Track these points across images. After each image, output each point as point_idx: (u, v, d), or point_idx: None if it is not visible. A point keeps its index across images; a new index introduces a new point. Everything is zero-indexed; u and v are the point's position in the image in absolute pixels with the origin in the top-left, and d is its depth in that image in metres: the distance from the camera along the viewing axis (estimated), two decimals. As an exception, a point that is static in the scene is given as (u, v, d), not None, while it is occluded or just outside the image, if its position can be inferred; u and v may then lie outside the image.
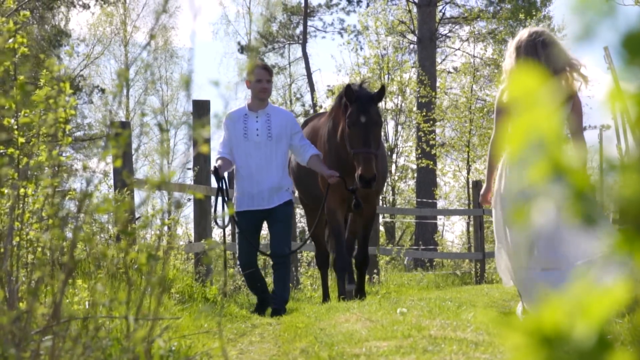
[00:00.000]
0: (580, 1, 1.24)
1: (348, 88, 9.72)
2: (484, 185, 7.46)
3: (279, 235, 9.48)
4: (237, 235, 9.59)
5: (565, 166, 1.26)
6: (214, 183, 10.07)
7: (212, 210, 9.73)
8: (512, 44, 7.12)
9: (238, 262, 9.53)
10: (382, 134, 10.31)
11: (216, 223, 9.80)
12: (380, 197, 27.51)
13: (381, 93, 9.79)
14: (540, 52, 6.94)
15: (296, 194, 11.14)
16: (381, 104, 10.63)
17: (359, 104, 9.70)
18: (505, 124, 7.03)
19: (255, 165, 9.48)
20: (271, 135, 9.52)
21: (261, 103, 9.61)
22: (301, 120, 34.17)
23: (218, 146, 9.56)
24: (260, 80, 9.53)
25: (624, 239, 1.25)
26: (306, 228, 11.89)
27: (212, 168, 9.34)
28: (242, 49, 45.18)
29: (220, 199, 9.22)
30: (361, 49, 33.39)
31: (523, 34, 7.08)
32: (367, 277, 10.56)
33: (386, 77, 28.25)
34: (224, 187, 9.27)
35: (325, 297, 11.17)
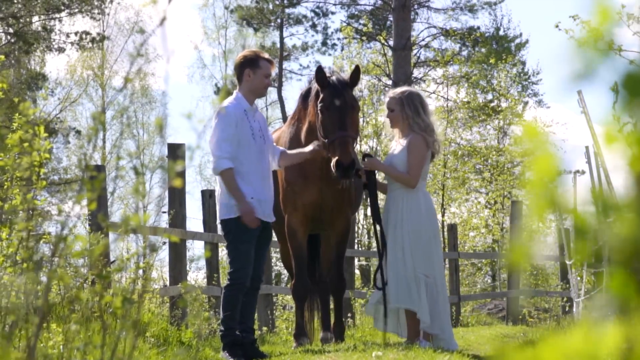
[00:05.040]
0: (583, 41, 1.27)
1: (319, 70, 8.49)
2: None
3: (263, 258, 8.16)
4: (237, 245, 7.86)
5: (565, 206, 1.28)
6: (188, 227, 9.36)
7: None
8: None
9: (230, 278, 7.87)
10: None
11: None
12: (356, 240, 27.45)
13: (356, 74, 8.54)
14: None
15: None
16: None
17: (333, 88, 8.43)
18: None
19: (262, 172, 7.98)
20: (265, 138, 8.11)
21: (254, 101, 8.21)
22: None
23: (219, 143, 7.77)
24: (268, 75, 8.09)
25: (617, 280, 1.27)
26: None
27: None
28: (218, 91, 45.25)
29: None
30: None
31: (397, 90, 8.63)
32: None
33: (361, 119, 28.35)
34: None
35: (300, 332, 9.29)
